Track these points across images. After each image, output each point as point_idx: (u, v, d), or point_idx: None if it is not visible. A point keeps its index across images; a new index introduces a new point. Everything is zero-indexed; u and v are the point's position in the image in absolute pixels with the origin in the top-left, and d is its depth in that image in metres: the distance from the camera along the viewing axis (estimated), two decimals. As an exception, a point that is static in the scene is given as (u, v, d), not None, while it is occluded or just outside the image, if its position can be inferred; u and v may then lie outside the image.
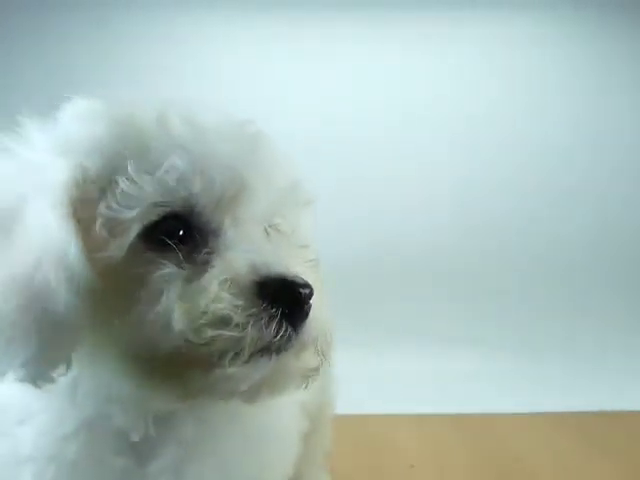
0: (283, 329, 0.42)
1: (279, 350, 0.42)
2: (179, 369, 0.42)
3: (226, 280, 0.42)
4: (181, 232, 0.44)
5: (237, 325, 0.41)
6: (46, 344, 0.39)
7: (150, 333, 0.41)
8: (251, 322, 0.41)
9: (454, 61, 2.13)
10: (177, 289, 0.42)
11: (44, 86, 2.14)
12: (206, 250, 0.44)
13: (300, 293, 0.42)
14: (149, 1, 2.13)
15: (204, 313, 0.41)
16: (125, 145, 0.45)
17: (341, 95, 2.12)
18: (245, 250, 0.44)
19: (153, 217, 0.43)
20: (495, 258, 2.08)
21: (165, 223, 0.44)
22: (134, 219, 0.43)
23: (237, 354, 0.41)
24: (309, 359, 0.45)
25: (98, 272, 0.41)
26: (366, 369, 1.66)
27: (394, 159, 2.11)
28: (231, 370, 0.41)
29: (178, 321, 0.41)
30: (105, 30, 2.10)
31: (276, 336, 0.42)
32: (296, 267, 0.44)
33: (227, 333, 0.40)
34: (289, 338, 0.42)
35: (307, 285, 0.43)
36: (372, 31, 2.12)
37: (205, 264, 0.43)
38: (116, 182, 0.43)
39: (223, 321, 0.41)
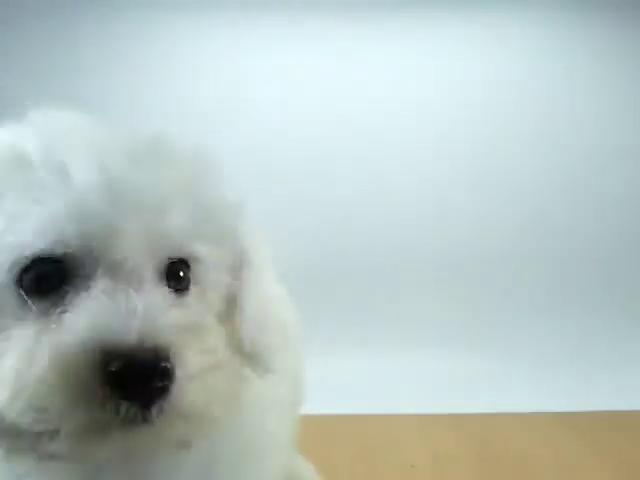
0: (123, 410, 0.34)
1: (123, 427, 0.35)
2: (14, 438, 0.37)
3: (52, 353, 0.35)
4: (51, 279, 0.39)
5: (55, 409, 0.34)
6: None
7: None
8: (72, 405, 0.34)
9: (448, 62, 2.13)
10: (17, 352, 0.36)
11: (45, 86, 2.14)
12: (62, 307, 0.38)
13: (147, 374, 0.35)
14: (149, 1, 2.12)
15: (27, 392, 0.35)
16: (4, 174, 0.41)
17: (341, 95, 2.12)
18: (89, 311, 0.36)
19: (24, 259, 0.39)
20: (496, 258, 2.08)
21: (36, 267, 0.39)
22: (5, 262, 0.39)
23: (54, 435, 0.35)
24: (179, 431, 0.38)
25: None
26: (366, 369, 1.66)
27: (388, 159, 2.11)
28: (54, 448, 0.36)
29: (3, 394, 0.35)
30: (105, 30, 2.10)
31: (114, 414, 0.35)
32: (162, 331, 0.36)
33: (42, 417, 0.34)
34: (134, 416, 0.35)
35: (159, 362, 0.35)
36: (371, 31, 2.12)
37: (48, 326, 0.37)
38: None
39: (41, 404, 0.34)
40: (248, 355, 0.47)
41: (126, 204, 0.40)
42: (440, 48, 2.12)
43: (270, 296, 0.52)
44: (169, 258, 0.43)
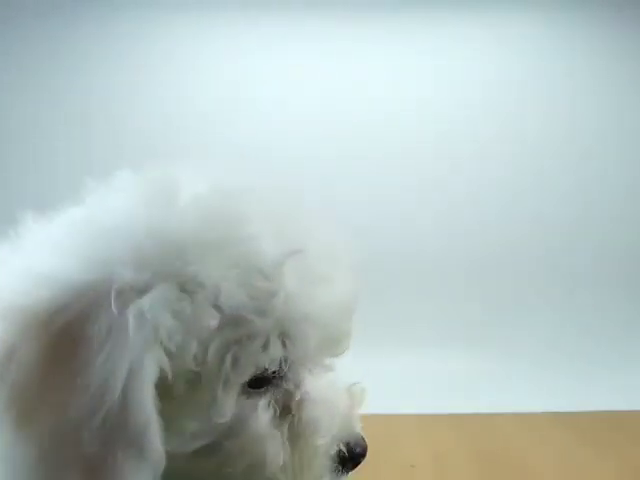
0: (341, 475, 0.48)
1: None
2: None
3: (324, 451, 0.45)
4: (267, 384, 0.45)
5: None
6: None
7: None
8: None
9: (448, 62, 2.13)
10: (278, 452, 0.44)
11: (45, 86, 2.14)
12: (292, 403, 0.45)
13: (363, 460, 0.48)
14: (149, 1, 2.12)
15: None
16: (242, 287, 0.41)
17: (341, 95, 2.12)
18: (330, 411, 0.46)
19: (262, 369, 0.43)
20: (496, 258, 2.08)
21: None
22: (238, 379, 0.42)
23: None
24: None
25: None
26: (366, 369, 1.66)
27: (388, 159, 2.11)
28: None
29: None
30: (105, 30, 2.10)
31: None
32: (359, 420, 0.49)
33: None
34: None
35: (367, 449, 0.48)
36: (371, 31, 2.12)
37: (295, 423, 0.45)
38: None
39: None
40: None
41: (349, 313, 0.51)
42: (440, 48, 2.12)
43: None
44: None
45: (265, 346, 0.41)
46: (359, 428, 0.48)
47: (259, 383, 0.43)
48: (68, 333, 0.36)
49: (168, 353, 0.38)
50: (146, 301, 0.37)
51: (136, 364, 0.36)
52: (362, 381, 0.54)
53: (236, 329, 0.40)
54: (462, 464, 1.10)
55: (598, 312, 2.02)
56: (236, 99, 2.08)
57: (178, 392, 0.39)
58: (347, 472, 0.47)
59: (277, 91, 2.10)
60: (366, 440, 0.48)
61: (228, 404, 0.41)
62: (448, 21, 2.13)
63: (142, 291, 0.38)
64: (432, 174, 2.10)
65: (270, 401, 0.44)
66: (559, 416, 1.36)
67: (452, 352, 1.85)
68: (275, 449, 0.43)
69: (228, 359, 0.40)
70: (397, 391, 1.49)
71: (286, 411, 0.45)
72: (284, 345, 0.42)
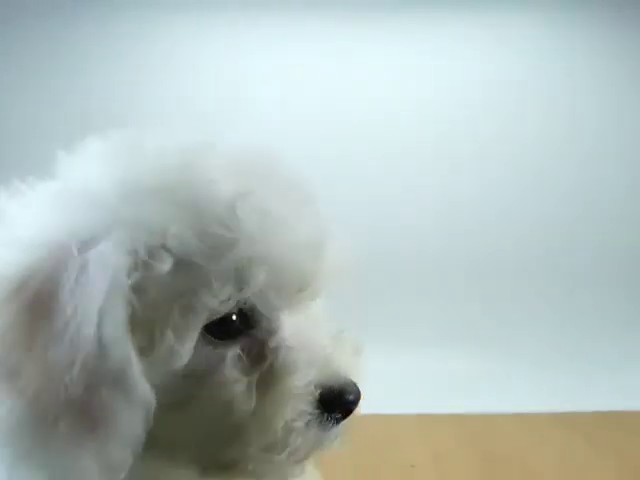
0: (332, 435, 0.45)
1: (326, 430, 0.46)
2: (234, 467, 0.43)
3: (298, 394, 0.43)
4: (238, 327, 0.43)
5: (301, 433, 0.43)
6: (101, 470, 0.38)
7: (219, 443, 0.42)
8: (310, 428, 0.43)
9: (448, 62, 2.13)
10: (246, 399, 0.42)
11: (45, 86, 2.14)
12: (267, 350, 0.44)
13: (354, 407, 0.45)
14: (149, 1, 2.12)
15: (280, 429, 0.42)
16: (188, 229, 0.40)
17: (341, 95, 2.12)
18: (308, 355, 0.44)
19: (217, 315, 0.41)
20: (496, 258, 2.08)
21: (225, 318, 0.42)
22: (199, 319, 0.40)
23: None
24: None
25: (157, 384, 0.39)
26: (366, 369, 1.66)
27: (388, 159, 2.11)
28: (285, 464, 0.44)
29: (254, 435, 0.42)
30: (105, 30, 2.10)
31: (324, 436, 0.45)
32: (348, 366, 0.46)
33: (294, 442, 0.43)
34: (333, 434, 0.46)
35: (359, 394, 0.46)
36: (371, 31, 2.12)
37: (268, 369, 0.43)
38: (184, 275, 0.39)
39: (294, 433, 0.43)
40: None
41: (312, 252, 0.46)
42: (440, 48, 2.12)
43: None
44: None
45: (218, 290, 0.40)
46: (348, 373, 0.46)
47: (227, 334, 0.42)
48: (41, 293, 0.38)
49: (133, 290, 0.39)
50: (104, 245, 0.39)
51: (105, 303, 0.37)
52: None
53: (187, 274, 0.39)
54: (462, 464, 1.11)
55: (598, 312, 2.02)
56: (236, 99, 2.07)
57: (140, 343, 0.39)
58: (337, 421, 0.45)
59: (277, 91, 2.10)
60: (359, 387, 0.46)
61: (184, 352, 0.40)
62: (448, 21, 2.12)
63: (102, 238, 0.39)
64: (432, 174, 2.10)
65: (239, 351, 0.43)
66: (559, 416, 1.36)
67: (452, 352, 1.85)
68: (242, 394, 0.42)
69: (179, 304, 0.39)
70: (397, 391, 1.49)
71: (260, 359, 0.43)
72: (240, 288, 0.40)
